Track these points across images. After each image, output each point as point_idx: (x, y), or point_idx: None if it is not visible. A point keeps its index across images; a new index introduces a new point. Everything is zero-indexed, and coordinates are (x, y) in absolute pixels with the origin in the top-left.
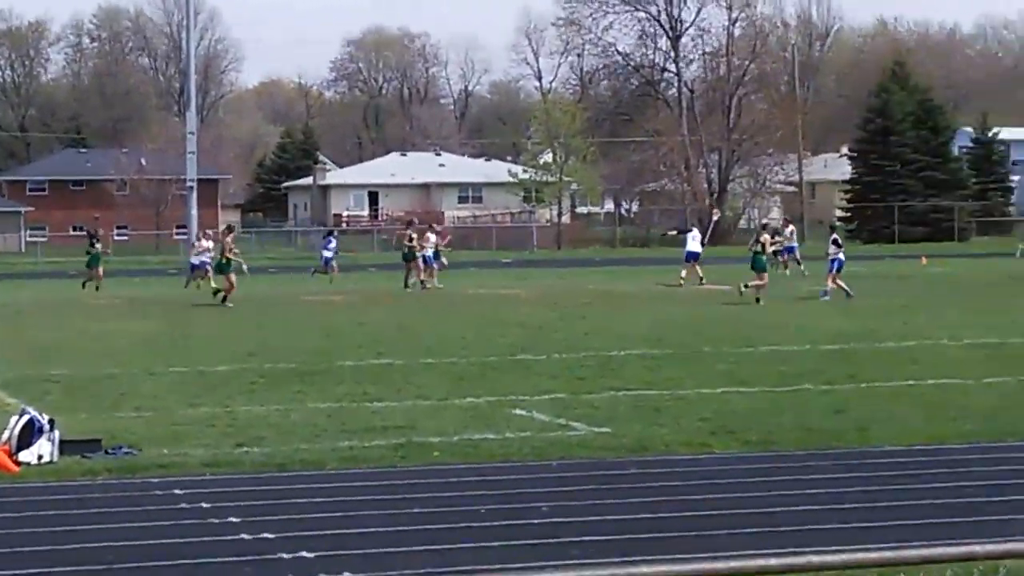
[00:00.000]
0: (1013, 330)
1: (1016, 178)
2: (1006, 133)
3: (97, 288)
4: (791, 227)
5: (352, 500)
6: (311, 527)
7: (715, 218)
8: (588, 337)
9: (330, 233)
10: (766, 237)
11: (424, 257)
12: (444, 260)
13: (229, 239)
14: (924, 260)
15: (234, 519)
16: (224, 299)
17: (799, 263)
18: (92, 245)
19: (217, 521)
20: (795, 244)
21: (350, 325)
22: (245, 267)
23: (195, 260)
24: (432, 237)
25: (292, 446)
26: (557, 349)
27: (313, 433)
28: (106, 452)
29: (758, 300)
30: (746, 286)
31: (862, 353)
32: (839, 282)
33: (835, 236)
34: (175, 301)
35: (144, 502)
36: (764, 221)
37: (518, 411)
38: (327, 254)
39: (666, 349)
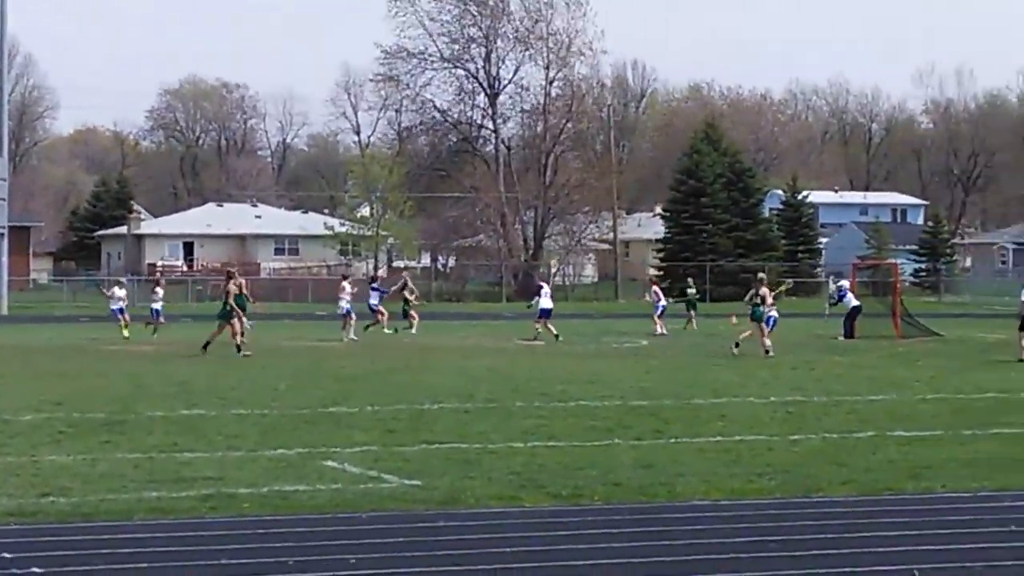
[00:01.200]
0: (816, 388)
1: (824, 240)
2: (815, 196)
3: None
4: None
5: (158, 551)
6: None
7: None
8: (402, 390)
9: (157, 284)
10: (765, 290)
11: (348, 310)
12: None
13: (231, 286)
14: (734, 319)
15: (37, 569)
16: (239, 348)
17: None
18: None
19: (20, 572)
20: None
21: (161, 375)
22: (248, 323)
23: (113, 307)
24: (347, 287)
25: (98, 496)
26: (370, 401)
27: (120, 483)
28: None
29: (767, 352)
30: (737, 345)
31: (670, 409)
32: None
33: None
34: None
35: None
36: (760, 275)
37: (329, 463)
38: (155, 305)
39: (478, 403)
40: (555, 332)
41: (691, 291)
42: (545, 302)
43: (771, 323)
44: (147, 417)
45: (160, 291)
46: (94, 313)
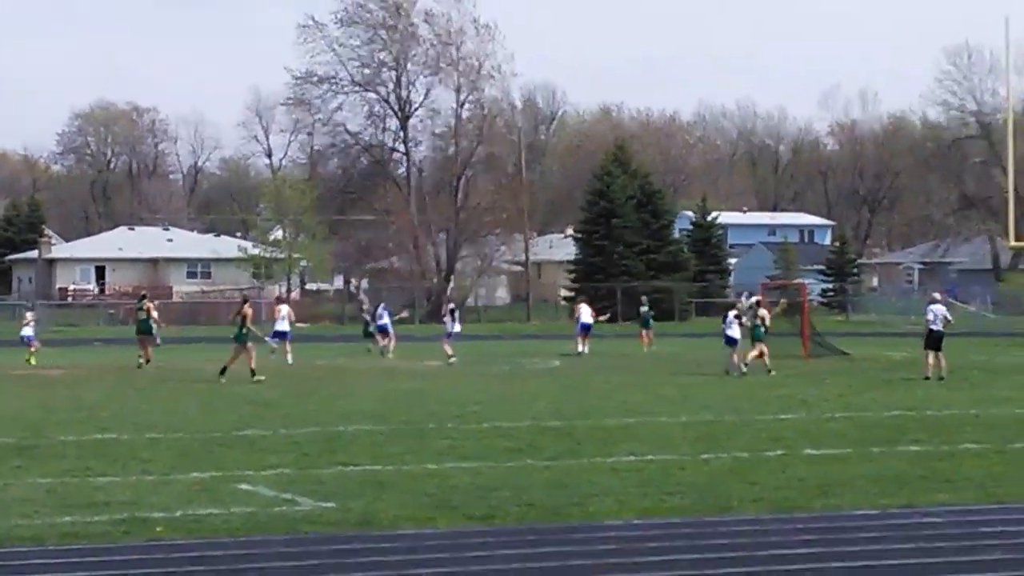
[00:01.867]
0: (726, 408)
1: (734, 260)
2: (724, 217)
3: None
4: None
5: None
6: None
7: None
8: (315, 413)
9: (28, 309)
10: (763, 312)
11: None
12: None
13: (247, 309)
14: (644, 339)
15: None
16: (253, 373)
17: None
18: None
19: None
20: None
21: (73, 400)
22: (269, 340)
23: (23, 333)
24: (284, 309)
25: (10, 522)
26: (284, 424)
27: (32, 509)
28: None
29: (769, 371)
30: (746, 364)
31: (583, 429)
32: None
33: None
34: None
35: None
36: (757, 297)
37: (243, 486)
38: (26, 332)
39: (391, 425)
40: (451, 355)
41: (644, 309)
42: (453, 325)
43: (732, 342)
44: (59, 441)
45: (30, 315)
46: (4, 337)
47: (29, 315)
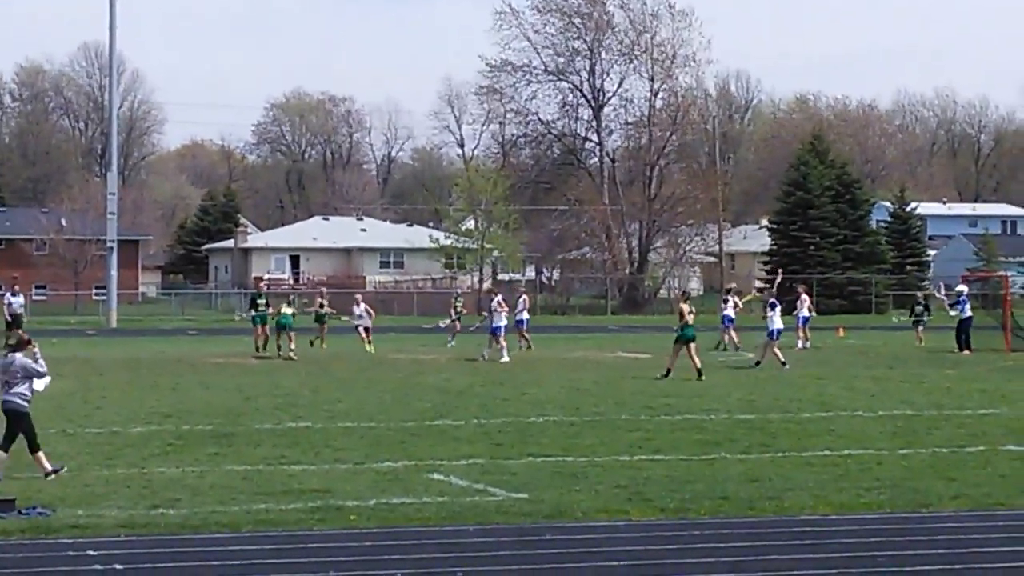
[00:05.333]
0: (927, 402)
1: (932, 252)
2: (923, 208)
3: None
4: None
5: (267, 563)
6: None
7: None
8: (507, 403)
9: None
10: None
11: (495, 328)
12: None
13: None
14: (841, 332)
15: None
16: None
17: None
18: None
19: None
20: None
21: (268, 388)
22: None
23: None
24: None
25: (207, 508)
26: (476, 414)
27: (229, 495)
28: (20, 513)
29: (783, 363)
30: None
31: (778, 423)
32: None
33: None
34: (91, 362)
35: (58, 563)
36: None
37: (436, 476)
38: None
39: (583, 416)
40: (528, 342)
41: (920, 308)
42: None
43: (775, 334)
44: (254, 429)
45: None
46: (202, 326)
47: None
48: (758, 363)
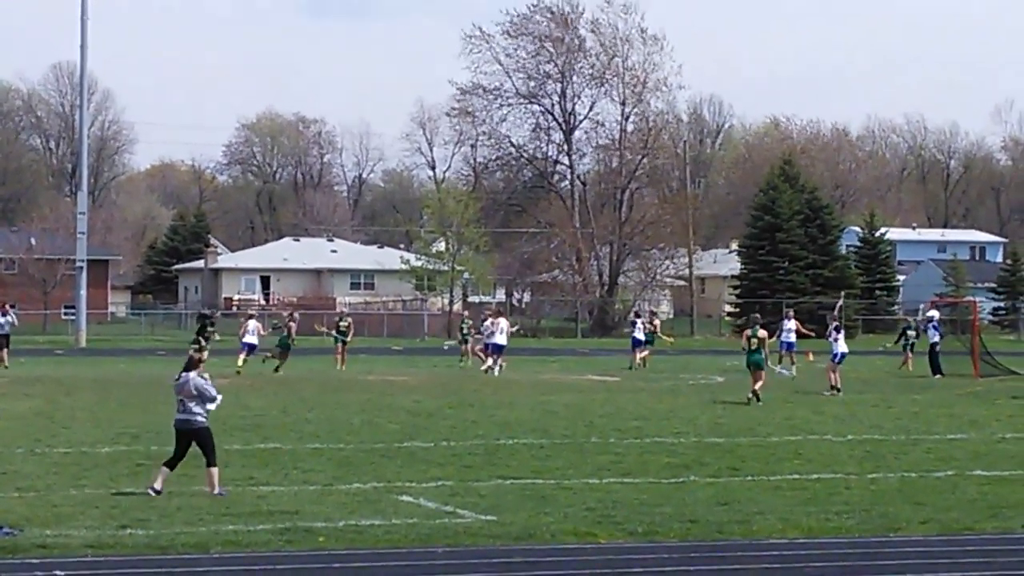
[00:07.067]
0: (895, 427)
1: (902, 277)
2: (892, 233)
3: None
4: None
5: None
6: None
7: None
8: (476, 425)
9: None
10: (763, 333)
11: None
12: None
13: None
14: (810, 356)
15: None
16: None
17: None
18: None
19: None
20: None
21: (238, 408)
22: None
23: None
24: (502, 322)
25: (175, 529)
26: (445, 436)
27: (197, 516)
28: None
29: (837, 390)
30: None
31: (747, 446)
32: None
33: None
34: (60, 381)
35: None
36: (836, 324)
37: (405, 498)
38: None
39: (553, 439)
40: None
41: (911, 332)
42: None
43: (839, 358)
44: (223, 450)
45: (251, 324)
46: (171, 346)
47: (251, 324)
48: (838, 390)
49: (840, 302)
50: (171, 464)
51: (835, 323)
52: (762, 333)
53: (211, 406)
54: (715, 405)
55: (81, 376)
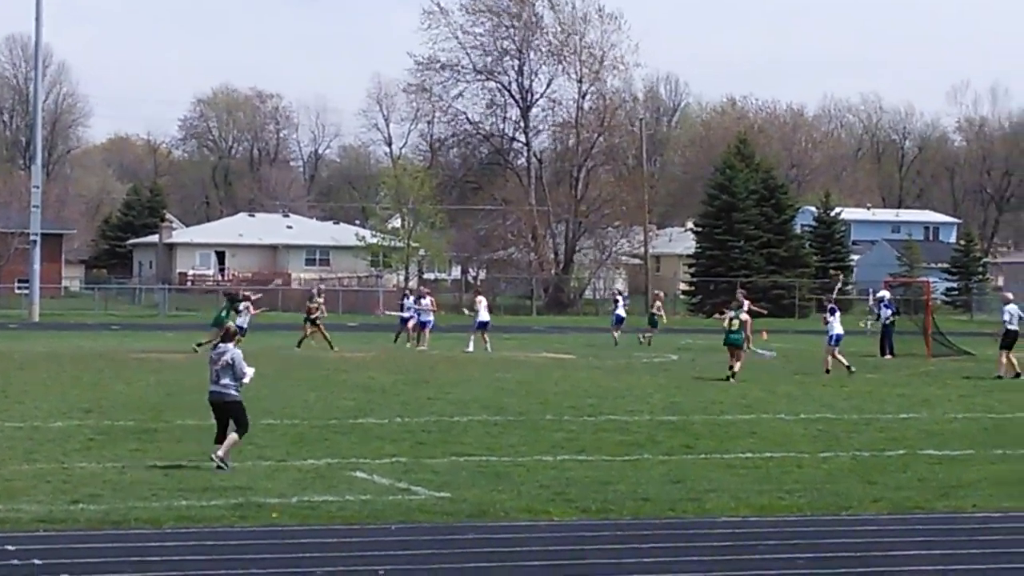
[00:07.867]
0: (848, 406)
1: (856, 257)
2: (847, 213)
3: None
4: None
5: (188, 560)
6: None
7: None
8: (431, 402)
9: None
10: (746, 316)
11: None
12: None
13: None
14: (764, 335)
15: None
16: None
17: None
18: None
19: None
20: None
21: (192, 384)
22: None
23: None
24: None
25: (128, 504)
26: (399, 413)
27: (150, 491)
28: None
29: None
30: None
31: (700, 424)
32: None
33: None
34: (13, 355)
35: None
36: (831, 306)
37: (359, 474)
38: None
39: (507, 416)
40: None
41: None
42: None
43: (835, 339)
44: (177, 425)
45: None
46: (125, 321)
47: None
48: (849, 368)
49: (839, 284)
50: (220, 439)
51: (831, 304)
52: (744, 317)
53: (246, 380)
54: (669, 384)
55: (33, 351)
